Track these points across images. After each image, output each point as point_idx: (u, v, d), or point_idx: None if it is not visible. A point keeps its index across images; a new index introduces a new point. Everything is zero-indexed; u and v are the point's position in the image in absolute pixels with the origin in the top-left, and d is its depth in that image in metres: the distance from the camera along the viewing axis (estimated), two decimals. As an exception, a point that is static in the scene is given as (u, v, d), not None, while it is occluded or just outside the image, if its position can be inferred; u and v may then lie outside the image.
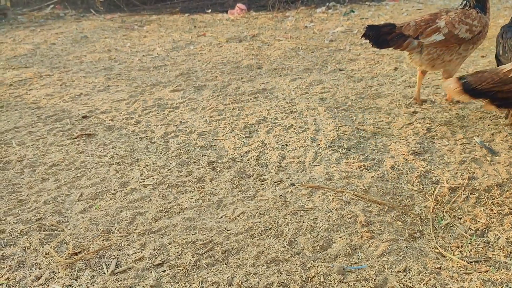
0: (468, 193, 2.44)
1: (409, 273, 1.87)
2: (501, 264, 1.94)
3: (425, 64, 3.49)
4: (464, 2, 3.54)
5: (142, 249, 2.06)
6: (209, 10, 9.17)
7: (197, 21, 8.16)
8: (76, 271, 1.94)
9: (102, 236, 2.16)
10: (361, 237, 2.09)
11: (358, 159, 2.84)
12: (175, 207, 2.38)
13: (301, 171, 2.72)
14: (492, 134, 3.07)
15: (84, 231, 2.20)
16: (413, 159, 2.81)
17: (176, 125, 3.46)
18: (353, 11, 8.15)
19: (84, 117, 3.68)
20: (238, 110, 3.74)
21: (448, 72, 3.55)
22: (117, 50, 6.08)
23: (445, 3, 8.29)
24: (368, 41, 3.45)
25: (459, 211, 2.32)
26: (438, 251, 2.04)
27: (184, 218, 2.27)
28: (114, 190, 2.57)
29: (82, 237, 2.16)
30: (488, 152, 2.83)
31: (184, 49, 6.02)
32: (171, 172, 2.75)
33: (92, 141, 3.24)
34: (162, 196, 2.49)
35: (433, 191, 2.47)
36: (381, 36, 3.41)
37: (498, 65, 3.31)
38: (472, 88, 2.20)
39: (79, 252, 2.05)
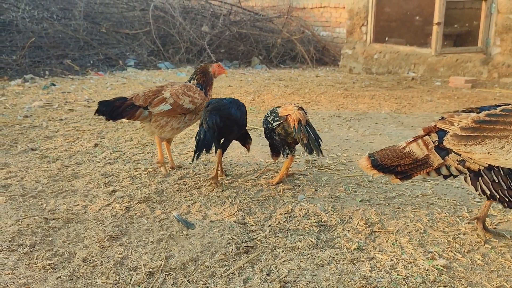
0: (166, 274, 2.32)
1: None
2: None
3: (157, 131, 3.60)
4: (189, 79, 3.85)
5: None
6: None
7: None
8: None
9: None
10: None
11: (43, 257, 2.40)
12: None
13: (-39, 288, 2.09)
14: (188, 206, 3.12)
15: None
16: (109, 246, 2.56)
17: None
18: (54, 85, 7.65)
19: None
20: None
21: (168, 137, 3.76)
22: None
23: (148, 79, 8.72)
24: (102, 116, 3.38)
25: (156, 298, 2.16)
26: None
27: None
28: None
29: None
30: (184, 225, 2.83)
31: None
32: None
33: None
34: None
35: (130, 280, 2.26)
36: (115, 110, 3.40)
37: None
38: (379, 164, 2.37)
39: None
